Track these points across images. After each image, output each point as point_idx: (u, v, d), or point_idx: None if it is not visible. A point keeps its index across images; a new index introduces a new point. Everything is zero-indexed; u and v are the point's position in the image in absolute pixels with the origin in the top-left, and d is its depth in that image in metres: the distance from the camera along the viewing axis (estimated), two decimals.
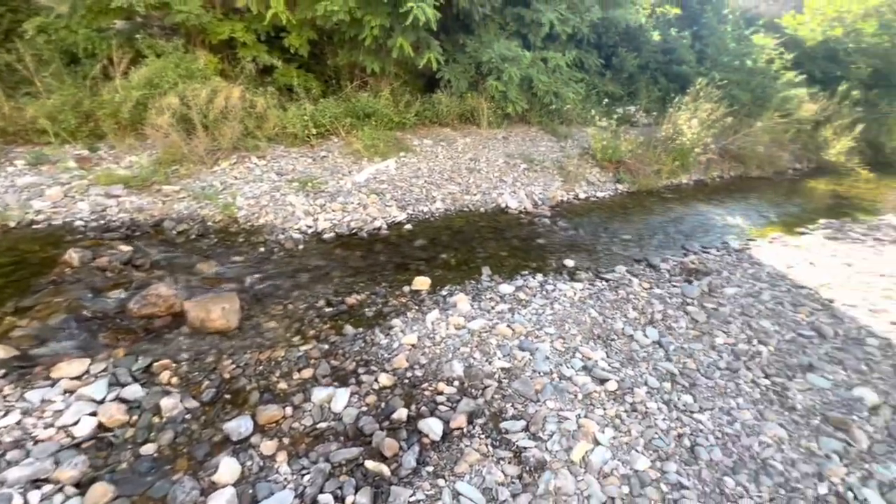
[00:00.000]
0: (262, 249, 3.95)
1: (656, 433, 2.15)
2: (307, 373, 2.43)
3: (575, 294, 3.45)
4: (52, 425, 1.98)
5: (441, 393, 2.32)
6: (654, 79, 9.63)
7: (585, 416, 2.21)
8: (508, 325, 2.93)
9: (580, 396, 2.35)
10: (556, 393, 2.34)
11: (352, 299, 3.23)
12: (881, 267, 4.30)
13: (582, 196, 6.32)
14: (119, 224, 3.98)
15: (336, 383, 2.36)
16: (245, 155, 5.31)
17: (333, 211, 4.67)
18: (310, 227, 4.41)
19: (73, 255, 3.33)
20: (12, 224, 3.82)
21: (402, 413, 2.17)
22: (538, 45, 7.64)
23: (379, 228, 4.57)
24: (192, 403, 2.17)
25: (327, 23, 5.90)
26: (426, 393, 2.33)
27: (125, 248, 3.60)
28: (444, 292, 3.39)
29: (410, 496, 1.77)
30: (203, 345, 2.64)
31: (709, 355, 2.79)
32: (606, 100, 8.75)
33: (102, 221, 3.99)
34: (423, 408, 2.22)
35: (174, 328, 2.79)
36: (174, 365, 2.42)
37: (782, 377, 2.61)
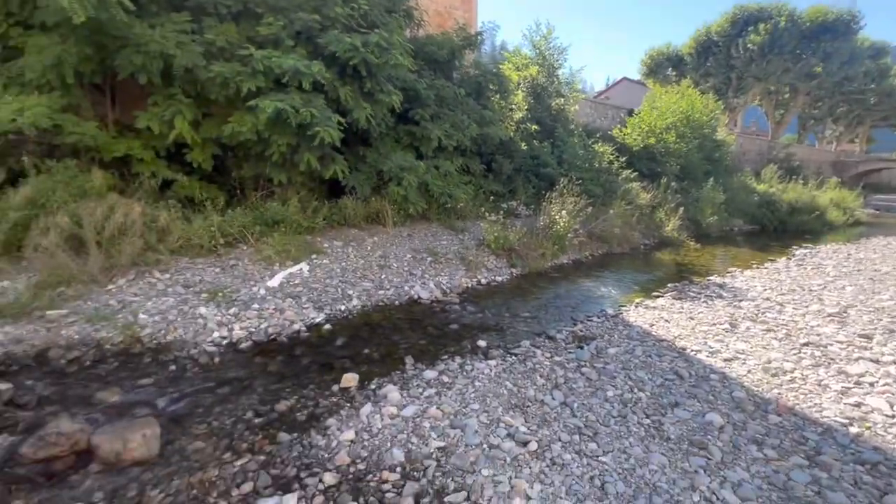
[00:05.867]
0: (172, 368, 3.77)
1: (574, 480, 2.53)
2: (247, 487, 2.40)
3: (491, 371, 3.87)
4: None
5: (386, 481, 2.46)
6: (528, 178, 11.51)
7: (516, 477, 2.51)
8: (438, 408, 3.20)
9: (508, 460, 2.66)
10: (488, 461, 2.62)
11: (281, 406, 3.24)
12: (711, 318, 5.52)
13: (484, 282, 7.08)
14: None
15: (280, 492, 2.36)
16: (145, 270, 5.11)
17: (248, 319, 4.66)
18: (224, 337, 4.33)
19: None
20: None
21: None
22: (430, 155, 8.84)
23: (298, 331, 4.64)
24: None
25: (233, 141, 6.29)
26: (371, 484, 2.45)
27: (3, 386, 3.20)
28: (372, 386, 3.57)
29: None
30: (120, 480, 2.45)
31: (604, 407, 3.34)
32: (492, 197, 10.17)
33: None
34: (371, 498, 2.33)
35: (80, 468, 2.54)
36: None
37: (658, 415, 3.23)
